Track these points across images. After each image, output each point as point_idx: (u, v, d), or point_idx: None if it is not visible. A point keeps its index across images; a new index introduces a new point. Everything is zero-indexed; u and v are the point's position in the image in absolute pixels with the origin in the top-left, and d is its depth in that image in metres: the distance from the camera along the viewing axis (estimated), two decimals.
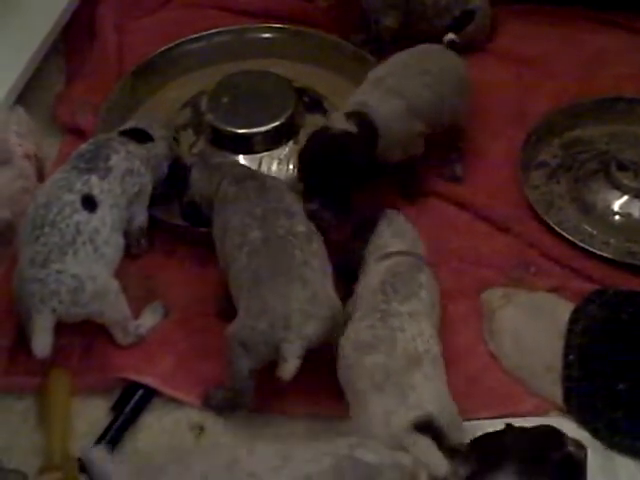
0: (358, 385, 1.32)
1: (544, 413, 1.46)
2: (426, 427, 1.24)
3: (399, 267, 1.46)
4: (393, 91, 1.70)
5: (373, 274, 1.48)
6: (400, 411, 1.25)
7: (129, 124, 1.73)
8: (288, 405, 1.49)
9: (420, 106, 1.72)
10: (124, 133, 1.67)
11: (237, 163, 1.75)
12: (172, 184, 1.70)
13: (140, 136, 1.67)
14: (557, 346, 1.48)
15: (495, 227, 1.76)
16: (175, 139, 1.79)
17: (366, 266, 1.51)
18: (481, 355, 1.55)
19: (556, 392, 1.46)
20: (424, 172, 1.83)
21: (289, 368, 1.34)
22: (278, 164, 1.84)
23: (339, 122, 1.62)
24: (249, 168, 1.70)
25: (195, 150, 1.84)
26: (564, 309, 1.53)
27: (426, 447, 1.22)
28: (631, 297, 1.50)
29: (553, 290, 1.62)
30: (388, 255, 1.49)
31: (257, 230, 1.45)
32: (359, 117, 1.63)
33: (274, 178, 1.65)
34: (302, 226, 1.48)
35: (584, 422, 1.41)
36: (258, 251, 1.43)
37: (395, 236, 1.54)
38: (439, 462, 1.20)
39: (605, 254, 1.68)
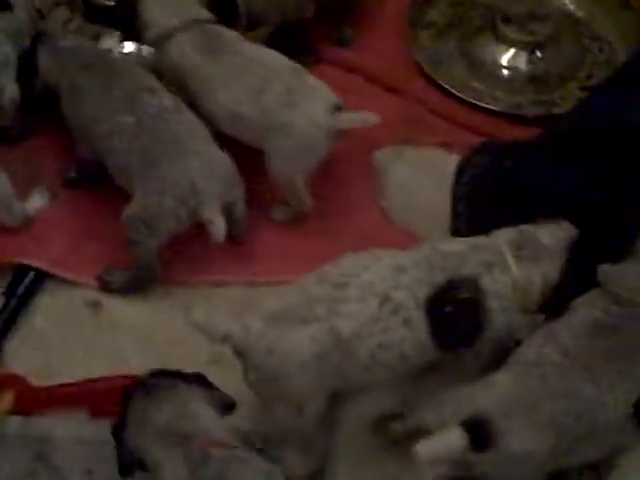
0: None
1: None
2: None
3: None
4: None
5: None
6: None
7: None
8: (186, 275, 1.50)
9: None
10: None
11: (85, 45, 1.63)
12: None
13: None
14: (445, 198, 1.51)
15: (384, 88, 1.76)
16: (39, 12, 1.71)
17: None
18: (372, 212, 1.58)
19: None
20: (315, 38, 1.80)
21: (219, 228, 1.37)
22: None
23: None
24: (97, 50, 1.64)
25: (72, 27, 1.75)
26: (451, 162, 1.55)
27: None
28: (515, 146, 1.52)
29: (442, 145, 1.64)
30: None
31: (126, 115, 1.43)
32: None
33: (124, 59, 1.61)
34: (168, 99, 1.47)
35: None
36: (136, 134, 1.42)
37: None
38: None
39: (492, 107, 1.71)
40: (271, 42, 1.64)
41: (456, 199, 1.49)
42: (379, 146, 1.64)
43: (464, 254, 1.22)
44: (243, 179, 1.52)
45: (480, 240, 1.25)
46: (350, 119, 1.46)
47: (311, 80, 1.50)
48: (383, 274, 1.20)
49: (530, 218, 1.39)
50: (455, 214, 1.49)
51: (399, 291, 1.18)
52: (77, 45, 1.58)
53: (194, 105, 1.50)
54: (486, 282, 1.19)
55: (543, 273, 1.21)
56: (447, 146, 1.64)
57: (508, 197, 1.45)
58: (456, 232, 1.48)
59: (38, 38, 1.59)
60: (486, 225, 1.44)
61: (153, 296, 1.47)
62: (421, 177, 1.57)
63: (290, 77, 1.49)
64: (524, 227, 1.25)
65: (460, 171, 1.51)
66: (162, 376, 1.21)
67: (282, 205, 1.56)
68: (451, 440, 1.06)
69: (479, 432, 1.07)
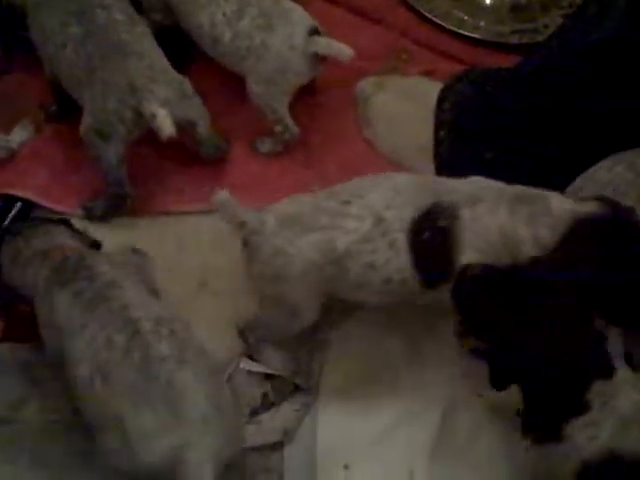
0: None
1: None
2: None
3: None
4: None
5: None
6: None
7: None
8: (174, 204, 1.51)
9: None
10: None
11: None
12: None
13: None
14: (428, 126, 1.52)
15: (367, 18, 1.75)
16: None
17: None
18: (357, 142, 1.59)
19: (429, 169, 1.51)
20: None
21: (162, 121, 1.36)
22: None
23: None
24: None
25: None
26: (435, 90, 1.56)
27: None
28: (495, 73, 1.53)
29: (425, 74, 1.65)
30: None
31: (76, 26, 1.43)
32: None
33: None
34: (120, 15, 1.46)
35: None
36: (83, 43, 1.43)
37: None
38: None
39: (476, 35, 1.71)
40: None
41: (438, 125, 1.50)
42: (363, 77, 1.64)
43: (458, 184, 1.22)
44: (229, 111, 1.54)
45: (486, 181, 1.23)
46: (327, 44, 1.47)
47: (287, 4, 1.50)
48: (383, 195, 1.22)
49: (510, 142, 1.43)
50: (437, 140, 1.50)
51: (390, 210, 1.20)
52: None
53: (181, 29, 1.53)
54: (464, 214, 1.18)
55: (534, 234, 1.17)
56: (430, 75, 1.64)
57: (489, 121, 1.46)
58: (439, 157, 1.49)
59: None
60: (467, 150, 1.48)
61: (141, 225, 1.49)
62: (404, 106, 1.57)
63: (267, 1, 1.49)
64: (542, 191, 1.21)
65: (442, 98, 1.52)
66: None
67: (268, 137, 1.56)
68: None
69: None
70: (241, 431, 1.18)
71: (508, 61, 1.63)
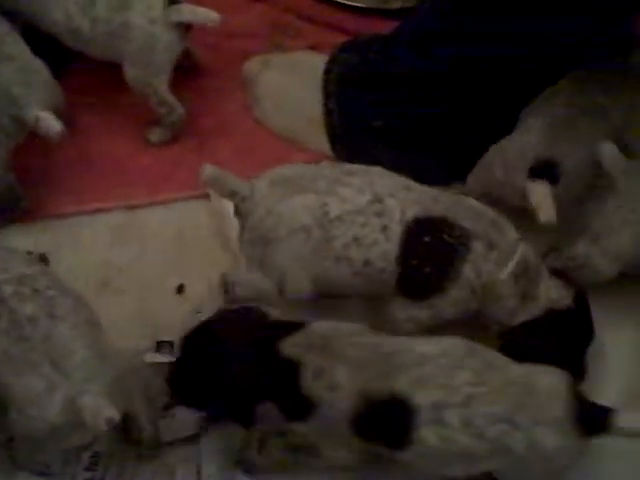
0: None
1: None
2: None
3: None
4: None
5: None
6: None
7: None
8: (66, 206, 1.48)
9: None
10: None
11: None
12: None
13: None
14: (317, 99, 1.52)
15: None
16: None
17: None
18: (248, 123, 1.57)
19: (323, 141, 1.51)
20: None
21: (48, 122, 1.34)
22: None
23: None
24: None
25: None
26: (321, 63, 1.55)
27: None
28: (376, 39, 1.53)
29: (311, 48, 1.64)
30: None
31: None
32: None
33: None
34: None
35: (351, 161, 1.46)
36: None
37: None
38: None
39: (358, 4, 1.70)
40: None
41: (326, 97, 1.49)
42: (248, 56, 1.62)
43: (478, 207, 1.20)
44: (115, 106, 1.52)
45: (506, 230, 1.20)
46: (189, 10, 1.44)
47: None
48: (390, 183, 1.20)
49: (395, 108, 1.43)
50: (327, 112, 1.49)
51: (392, 199, 1.17)
52: None
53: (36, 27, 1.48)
54: (476, 247, 1.16)
55: (512, 308, 1.17)
56: (317, 48, 1.63)
57: (374, 89, 1.46)
58: (330, 128, 1.49)
59: None
60: (357, 119, 1.48)
61: (37, 229, 1.45)
62: (291, 81, 1.56)
63: None
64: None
65: (328, 70, 1.51)
66: None
67: (156, 126, 1.54)
68: None
69: None
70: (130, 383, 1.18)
71: (393, 27, 1.63)
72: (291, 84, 1.55)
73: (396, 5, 1.70)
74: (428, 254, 1.16)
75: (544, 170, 1.27)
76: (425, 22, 1.41)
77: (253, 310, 1.15)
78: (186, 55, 1.57)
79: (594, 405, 1.05)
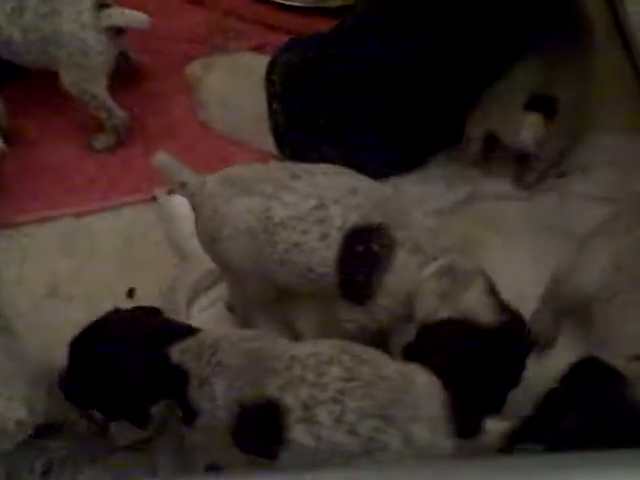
0: None
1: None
2: None
3: None
4: None
5: None
6: None
7: None
8: (11, 216, 1.47)
9: None
10: None
11: None
12: None
13: None
14: (261, 99, 1.52)
15: (187, 1, 1.74)
16: None
17: None
18: (194, 127, 1.58)
19: (268, 141, 1.52)
20: None
21: None
22: None
23: None
24: None
25: None
26: (263, 64, 1.55)
27: None
28: (314, 38, 1.53)
29: (254, 49, 1.65)
30: None
31: None
32: None
33: None
34: None
35: (297, 160, 1.44)
36: None
37: None
38: None
39: (298, 4, 1.72)
40: None
41: (270, 98, 1.50)
42: (191, 59, 1.62)
43: (412, 215, 1.20)
44: (59, 114, 1.52)
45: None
46: (119, 14, 1.45)
47: None
48: (336, 184, 1.19)
49: (339, 105, 1.45)
50: (272, 112, 1.50)
51: (336, 205, 1.17)
52: None
53: None
54: (400, 256, 1.16)
55: (432, 306, 1.14)
56: (260, 49, 1.65)
57: (316, 87, 1.47)
58: (275, 129, 1.50)
59: None
60: (302, 118, 1.49)
61: None
62: (235, 83, 1.56)
63: None
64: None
65: (270, 71, 1.51)
66: None
67: (101, 133, 1.54)
68: None
69: None
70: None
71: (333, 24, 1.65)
72: (234, 86, 1.56)
73: (336, 3, 1.72)
74: (359, 263, 1.16)
75: (541, 104, 1.34)
76: (361, 20, 1.43)
77: (146, 310, 1.16)
78: (125, 59, 1.58)
79: (468, 408, 1.04)
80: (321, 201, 1.17)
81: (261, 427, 1.04)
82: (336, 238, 1.16)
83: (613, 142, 1.50)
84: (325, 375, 1.02)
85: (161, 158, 1.23)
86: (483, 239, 1.42)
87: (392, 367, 1.05)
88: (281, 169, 1.24)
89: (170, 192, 1.46)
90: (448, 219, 1.44)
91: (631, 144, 1.50)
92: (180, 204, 1.39)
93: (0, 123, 1.48)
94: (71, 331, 1.29)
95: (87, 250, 1.46)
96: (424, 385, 1.03)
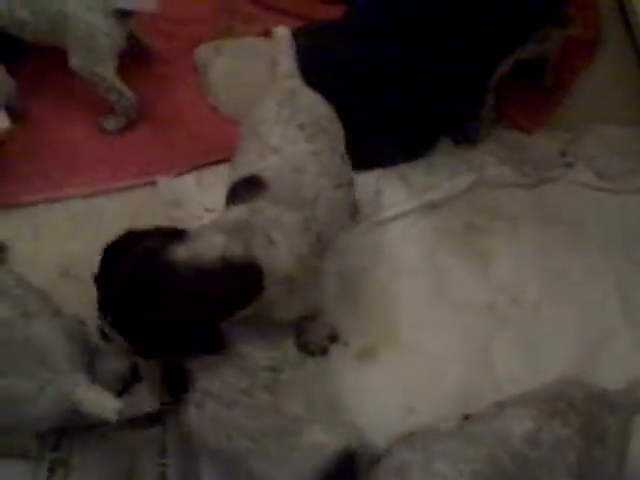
0: None
1: None
2: None
3: None
4: None
5: None
6: None
7: None
8: (23, 195, 1.48)
9: None
10: None
11: None
12: None
13: None
14: (269, 83, 1.53)
15: None
16: None
17: None
18: (202, 110, 1.59)
19: None
20: None
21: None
22: None
23: None
24: None
25: None
26: (272, 48, 1.56)
27: None
28: (325, 26, 1.56)
29: (263, 34, 1.65)
30: None
31: None
32: None
33: None
34: None
35: None
36: None
37: None
38: None
39: None
40: None
41: None
42: (200, 43, 1.64)
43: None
44: (70, 95, 1.54)
45: None
46: None
47: None
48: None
49: (347, 94, 1.46)
50: None
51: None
52: None
53: None
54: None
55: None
56: (266, 34, 1.65)
57: (325, 74, 1.48)
58: None
59: None
60: None
61: None
62: (243, 67, 1.58)
63: None
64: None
65: None
66: None
67: (111, 114, 1.55)
68: None
69: None
70: None
71: (340, 11, 1.65)
72: (242, 70, 1.58)
73: None
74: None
75: None
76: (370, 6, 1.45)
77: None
78: (134, 42, 1.59)
79: None
80: None
81: None
82: None
83: (618, 134, 1.52)
84: None
85: (282, 33, 1.33)
86: (487, 227, 1.45)
87: None
88: None
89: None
90: (453, 207, 1.47)
91: (636, 136, 1.52)
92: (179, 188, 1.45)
93: (11, 103, 1.49)
94: (84, 314, 1.33)
95: (95, 231, 1.47)
96: None
